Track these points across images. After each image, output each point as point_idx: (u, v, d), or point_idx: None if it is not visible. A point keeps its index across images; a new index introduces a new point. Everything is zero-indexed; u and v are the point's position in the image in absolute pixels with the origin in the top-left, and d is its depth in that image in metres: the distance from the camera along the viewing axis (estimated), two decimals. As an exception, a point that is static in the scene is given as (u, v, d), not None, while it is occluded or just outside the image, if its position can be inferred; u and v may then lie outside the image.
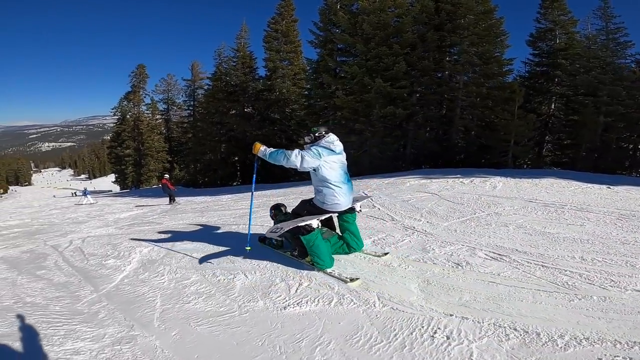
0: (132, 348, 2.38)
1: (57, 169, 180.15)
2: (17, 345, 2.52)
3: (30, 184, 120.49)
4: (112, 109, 41.50)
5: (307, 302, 2.79)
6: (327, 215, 3.62)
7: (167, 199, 14.44)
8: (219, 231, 5.83)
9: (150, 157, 39.82)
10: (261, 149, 3.50)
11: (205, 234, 5.66)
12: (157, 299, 3.18)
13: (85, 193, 22.04)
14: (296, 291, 3.02)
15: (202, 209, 9.76)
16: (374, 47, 17.09)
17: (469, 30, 17.26)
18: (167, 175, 16.03)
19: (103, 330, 2.64)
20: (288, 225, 3.41)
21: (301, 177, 18.63)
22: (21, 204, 25.44)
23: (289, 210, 4.18)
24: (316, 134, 3.53)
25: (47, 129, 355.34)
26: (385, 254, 3.75)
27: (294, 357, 2.15)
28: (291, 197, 8.82)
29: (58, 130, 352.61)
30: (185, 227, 6.58)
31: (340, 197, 3.42)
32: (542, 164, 19.40)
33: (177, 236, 5.61)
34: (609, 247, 3.50)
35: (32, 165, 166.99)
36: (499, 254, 3.45)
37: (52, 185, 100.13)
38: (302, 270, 3.43)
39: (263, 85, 28.27)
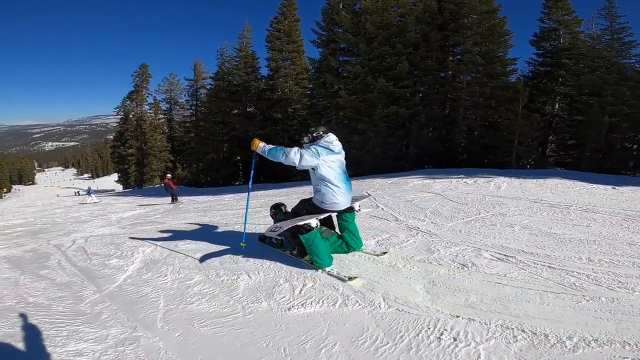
0: (135, 349, 2.36)
1: (60, 168, 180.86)
2: (19, 346, 2.51)
3: (33, 183, 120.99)
4: (115, 109, 41.70)
5: (311, 303, 2.77)
6: (326, 215, 3.63)
7: (170, 198, 14.51)
8: (221, 231, 5.81)
9: (152, 156, 39.93)
10: (260, 145, 3.50)
11: (208, 233, 5.65)
12: (160, 299, 3.16)
13: (89, 192, 22.17)
14: (300, 292, 2.99)
15: (205, 208, 9.75)
16: (377, 47, 17.04)
17: (472, 29, 17.17)
18: (169, 175, 16.08)
19: (106, 332, 2.62)
20: (287, 225, 3.42)
21: (303, 177, 18.60)
22: (24, 203, 25.56)
23: (289, 209, 4.18)
24: (314, 134, 3.56)
25: (51, 128, 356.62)
26: (384, 253, 3.76)
27: (299, 359, 2.12)
28: (294, 196, 8.79)
29: (61, 129, 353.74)
30: (187, 227, 6.56)
31: (338, 196, 3.43)
32: (546, 164, 19.30)
33: (179, 236, 5.59)
34: (615, 248, 3.46)
35: (36, 164, 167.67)
36: (505, 255, 3.41)
37: (55, 185, 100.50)
38: (305, 271, 3.40)
39: (265, 84, 28.29)
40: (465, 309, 2.48)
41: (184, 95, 41.03)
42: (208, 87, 35.26)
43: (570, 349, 1.96)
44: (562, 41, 21.30)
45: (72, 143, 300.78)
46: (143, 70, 41.00)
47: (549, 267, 3.08)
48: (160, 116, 42.10)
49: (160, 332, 2.58)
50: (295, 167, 3.34)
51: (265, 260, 3.82)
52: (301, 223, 3.36)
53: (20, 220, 11.48)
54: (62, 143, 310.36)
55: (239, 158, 29.16)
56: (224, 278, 3.47)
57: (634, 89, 17.32)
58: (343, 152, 3.61)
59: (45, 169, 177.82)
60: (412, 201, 6.52)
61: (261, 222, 5.85)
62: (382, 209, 6.08)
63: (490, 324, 2.24)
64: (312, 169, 3.40)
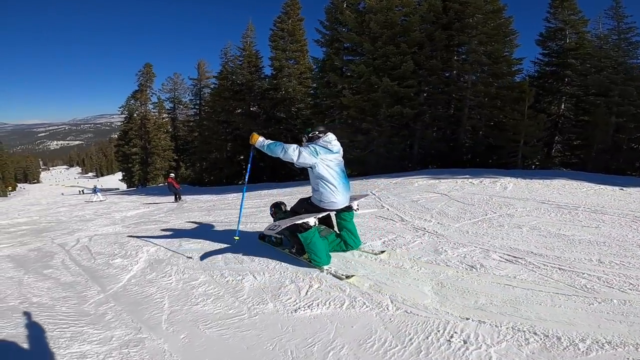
0: (140, 352, 2.33)
1: (65, 167, 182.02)
2: (22, 347, 2.48)
3: (38, 181, 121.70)
4: (120, 108, 41.86)
5: (318, 305, 2.73)
6: (324, 214, 3.65)
7: (173, 197, 14.59)
8: (225, 230, 5.78)
9: (156, 155, 40.04)
10: (259, 140, 3.51)
11: (212, 233, 5.62)
12: (164, 300, 3.13)
13: (95, 190, 22.37)
14: (306, 293, 2.95)
15: (209, 207, 9.74)
16: (381, 46, 16.95)
17: (477, 29, 17.02)
18: (172, 174, 16.15)
19: (110, 333, 2.59)
20: (285, 223, 3.45)
21: (306, 176, 18.57)
22: (29, 202, 25.70)
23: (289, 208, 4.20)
24: (309, 135, 3.59)
25: (56, 127, 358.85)
26: (382, 251, 3.77)
27: (306, 362, 2.09)
28: (297, 196, 8.72)
29: (66, 128, 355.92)
30: (192, 226, 6.55)
31: (336, 195, 3.45)
32: (551, 164, 19.17)
33: (184, 235, 5.57)
34: (626, 250, 3.41)
35: (41, 163, 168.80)
36: (514, 256, 3.36)
37: (60, 183, 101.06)
38: (311, 272, 3.36)
39: (269, 84, 28.26)
40: (475, 311, 2.44)
41: (188, 94, 41.17)
42: (212, 86, 35.31)
43: (583, 351, 1.94)
44: (568, 41, 21.10)
45: (77, 142, 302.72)
46: (147, 70, 41.11)
47: (559, 268, 3.03)
48: (164, 115, 42.24)
49: (165, 334, 2.54)
50: (293, 163, 3.36)
51: (270, 261, 3.79)
52: (299, 222, 3.37)
53: (25, 219, 11.54)
54: (67, 142, 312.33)
55: (242, 157, 29.18)
56: (228, 279, 3.44)
57: (640, 89, 17.15)
58: (342, 152, 3.62)
59: (50, 168, 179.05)
60: (418, 201, 6.47)
61: (265, 221, 5.82)
62: (388, 209, 6.03)
63: (501, 327, 2.21)
64: (310, 167, 3.42)
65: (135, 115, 40.75)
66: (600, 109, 17.76)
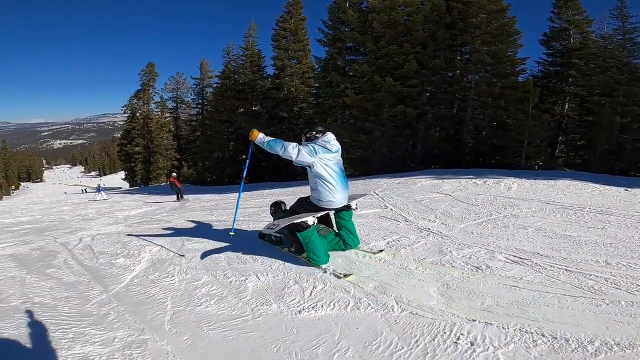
0: (142, 353, 2.30)
1: (68, 165, 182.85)
2: (24, 348, 2.47)
3: (41, 180, 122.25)
4: (123, 107, 41.91)
5: (322, 306, 2.70)
6: (323, 213, 3.67)
7: (175, 196, 14.63)
8: (228, 230, 5.76)
9: (159, 154, 40.13)
10: (259, 136, 3.53)
11: (215, 233, 5.60)
12: (167, 300, 3.10)
13: (99, 189, 22.52)
14: (310, 294, 2.92)
15: (211, 207, 9.74)
16: (384, 46, 16.91)
17: (480, 29, 16.98)
18: (174, 174, 16.19)
19: (113, 334, 2.56)
20: (284, 222, 3.46)
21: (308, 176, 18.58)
22: (32, 200, 25.81)
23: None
24: (307, 135, 3.61)
25: (59, 126, 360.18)
26: (381, 250, 3.77)
27: (311, 364, 2.06)
28: (299, 195, 8.70)
29: (69, 127, 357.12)
30: (194, 226, 6.53)
31: (335, 194, 3.46)
32: (555, 165, 19.08)
33: (186, 235, 5.55)
34: (632, 251, 3.37)
35: (44, 162, 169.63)
36: (520, 258, 3.33)
37: (63, 182, 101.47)
38: (315, 273, 3.33)
39: (271, 83, 28.29)
40: (481, 312, 2.41)
41: (190, 93, 41.33)
42: (214, 85, 35.40)
43: (592, 353, 1.92)
44: (572, 41, 21.00)
45: (80, 141, 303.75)
46: (150, 69, 41.22)
47: (566, 270, 3.00)
48: (167, 115, 42.36)
49: (168, 335, 2.52)
50: (292, 161, 3.37)
51: (273, 261, 3.77)
52: (298, 221, 3.38)
53: (28, 218, 11.57)
54: (70, 141, 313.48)
55: (244, 157, 29.19)
56: (232, 279, 3.42)
57: (645, 90, 17.03)
58: (340, 151, 3.63)
59: (54, 167, 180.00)
60: (421, 202, 6.44)
61: (267, 221, 5.77)
62: (391, 209, 6.00)
63: (508, 328, 2.18)
64: (309, 166, 3.43)
65: (138, 114, 40.85)
66: (604, 109, 17.66)
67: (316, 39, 22.06)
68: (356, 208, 3.88)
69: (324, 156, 3.42)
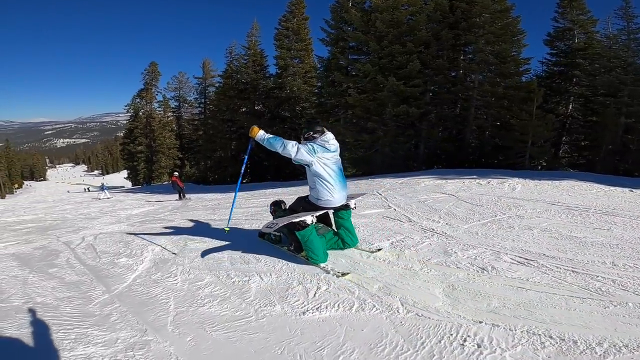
0: (145, 355, 2.27)
1: (71, 164, 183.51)
2: (26, 348, 2.45)
3: (45, 179, 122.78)
4: (125, 106, 41.93)
5: (326, 307, 2.67)
6: (321, 212, 3.67)
7: (177, 195, 14.67)
8: (230, 229, 5.74)
9: (161, 153, 40.17)
10: (260, 133, 3.55)
11: (217, 232, 5.57)
12: (170, 301, 3.08)
13: (103, 188, 22.64)
14: (314, 295, 2.89)
15: (214, 206, 9.72)
16: (387, 45, 16.87)
17: (484, 29, 16.91)
18: (176, 173, 16.24)
19: (115, 335, 2.54)
20: (283, 221, 3.48)
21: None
22: (35, 199, 25.86)
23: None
24: (305, 135, 3.62)
25: (62, 125, 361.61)
26: (379, 249, 3.78)
27: (316, 366, 2.03)
28: (301, 195, 8.72)
29: (72, 126, 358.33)
30: (196, 225, 6.51)
31: (333, 193, 3.48)
32: (559, 165, 18.99)
33: (189, 234, 5.53)
34: (639, 253, 3.33)
35: (47, 160, 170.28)
36: (526, 259, 3.29)
37: (66, 181, 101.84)
38: (319, 273, 3.31)
39: (274, 83, 28.30)
40: (488, 314, 2.38)
41: (193, 93, 41.26)
42: (216, 85, 35.47)
43: (600, 355, 1.89)
44: (576, 41, 20.89)
45: (83, 140, 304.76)
46: (153, 69, 41.25)
47: (573, 271, 2.96)
48: (169, 114, 42.35)
49: (171, 337, 2.49)
50: (290, 159, 3.39)
51: (276, 261, 3.74)
52: (297, 220, 3.40)
53: (31, 216, 11.60)
54: (73, 140, 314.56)
55: (245, 156, 29.23)
56: (235, 279, 3.39)
57: (650, 90, 16.90)
58: (339, 151, 3.64)
59: (57, 166, 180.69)
60: (425, 202, 6.40)
61: (269, 220, 5.78)
62: (395, 209, 5.96)
63: (515, 330, 2.16)
64: (307, 165, 3.44)
65: (140, 113, 40.90)
66: (609, 109, 17.55)
67: (319, 39, 22.07)
68: (354, 207, 3.89)
69: (322, 155, 3.43)
